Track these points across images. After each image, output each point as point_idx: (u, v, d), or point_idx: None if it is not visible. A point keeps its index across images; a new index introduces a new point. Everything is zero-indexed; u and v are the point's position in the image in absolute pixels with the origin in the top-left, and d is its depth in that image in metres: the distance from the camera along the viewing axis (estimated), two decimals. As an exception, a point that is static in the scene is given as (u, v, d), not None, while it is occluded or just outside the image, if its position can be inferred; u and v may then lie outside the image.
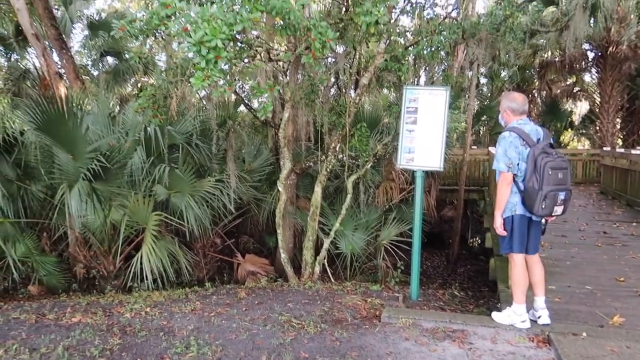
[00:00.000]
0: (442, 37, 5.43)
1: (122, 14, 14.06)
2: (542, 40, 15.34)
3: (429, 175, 10.74)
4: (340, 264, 8.21)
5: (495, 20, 5.57)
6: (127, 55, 13.65)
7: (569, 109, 19.52)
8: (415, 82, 7.78)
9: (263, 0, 3.15)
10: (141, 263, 6.39)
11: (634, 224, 7.91)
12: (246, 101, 10.69)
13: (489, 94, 19.97)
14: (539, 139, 3.70)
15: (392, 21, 6.04)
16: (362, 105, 9.25)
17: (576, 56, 15.46)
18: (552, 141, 3.76)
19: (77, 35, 14.87)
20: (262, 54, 4.98)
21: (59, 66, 10.44)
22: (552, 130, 19.11)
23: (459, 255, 12.83)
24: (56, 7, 13.55)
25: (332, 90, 8.94)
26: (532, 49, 16.06)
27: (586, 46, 15.82)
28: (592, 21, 13.26)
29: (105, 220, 7.04)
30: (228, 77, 4.01)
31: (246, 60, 4.86)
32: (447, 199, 14.32)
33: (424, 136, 4.90)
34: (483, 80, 20.41)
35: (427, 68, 8.11)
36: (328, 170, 6.42)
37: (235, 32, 3.04)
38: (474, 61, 7.31)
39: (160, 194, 7.16)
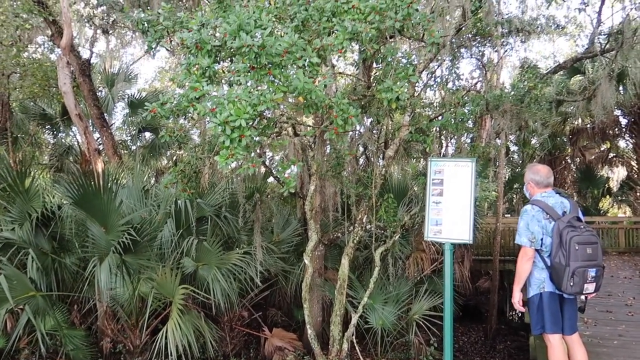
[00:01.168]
0: (465, 110, 5.49)
1: (161, 92, 14.91)
2: (571, 108, 15.32)
3: (461, 245, 10.46)
4: (371, 339, 7.88)
5: (518, 92, 5.63)
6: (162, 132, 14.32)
7: (605, 175, 19.02)
8: (442, 153, 7.79)
9: (285, 81, 3.29)
10: (166, 338, 6.30)
11: (686, 298, 7.38)
12: (275, 173, 10.89)
13: (520, 162, 19.77)
14: (565, 212, 3.57)
15: (416, 94, 6.16)
16: (390, 175, 9.29)
17: (608, 123, 15.29)
18: (580, 214, 3.61)
19: (119, 113, 15.69)
20: (288, 130, 5.12)
21: (99, 143, 11.02)
22: (590, 197, 18.56)
23: (498, 330, 12.14)
24: (100, 87, 14.51)
25: (361, 161, 9.05)
26: (562, 117, 16.01)
27: (618, 112, 15.69)
28: (621, 88, 13.22)
29: (133, 293, 7.06)
30: (253, 154, 4.11)
31: (273, 136, 5.00)
32: (481, 269, 13.82)
33: (451, 208, 4.81)
34: (514, 148, 20.31)
35: (452, 138, 8.14)
36: (355, 242, 6.33)
37: (258, 112, 3.15)
38: (500, 131, 7.31)
39: (187, 267, 7.19)
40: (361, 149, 9.97)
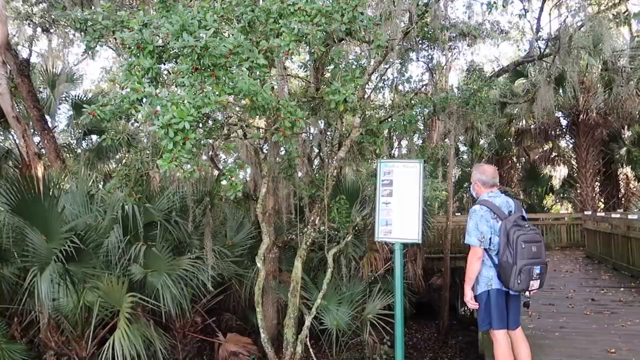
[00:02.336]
0: (413, 112, 5.60)
1: (107, 93, 14.40)
2: (516, 110, 15.96)
3: (414, 244, 10.66)
4: (326, 340, 7.89)
5: (464, 95, 5.79)
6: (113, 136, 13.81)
7: (549, 174, 19.94)
8: (394, 154, 7.91)
9: (230, 83, 3.23)
10: (113, 348, 6.06)
11: (622, 289, 7.82)
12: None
13: (469, 162, 20.41)
14: (511, 212, 3.70)
15: (367, 97, 6.22)
16: (344, 177, 9.34)
17: (549, 124, 16.04)
18: (524, 214, 3.76)
19: (63, 115, 15.01)
20: (238, 132, 5.05)
21: (40, 146, 10.51)
22: (534, 195, 19.39)
23: (450, 326, 12.46)
24: (42, 88, 13.84)
25: (317, 162, 9.06)
26: (507, 118, 16.65)
27: (559, 114, 16.48)
28: (561, 91, 13.89)
29: (78, 303, 6.75)
30: (204, 158, 4.01)
31: (222, 138, 4.91)
32: (434, 267, 14.14)
33: (400, 208, 4.88)
34: (463, 149, 20.96)
35: (403, 140, 8.27)
36: (308, 244, 6.33)
37: (202, 114, 3.08)
38: (448, 132, 7.50)
39: (136, 274, 6.95)
40: (316, 150, 9.98)
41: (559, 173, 21.18)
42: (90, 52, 3.91)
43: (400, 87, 6.56)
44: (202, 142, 3.90)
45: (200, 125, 3.42)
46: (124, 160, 16.51)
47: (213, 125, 3.98)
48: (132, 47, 3.35)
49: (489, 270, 3.64)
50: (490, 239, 3.64)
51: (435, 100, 5.78)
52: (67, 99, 13.93)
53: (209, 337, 8.50)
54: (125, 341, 6.07)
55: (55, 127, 13.91)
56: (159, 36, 3.30)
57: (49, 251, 6.53)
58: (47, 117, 10.15)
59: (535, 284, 3.53)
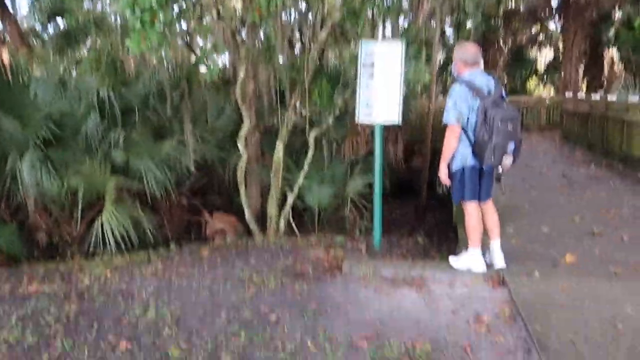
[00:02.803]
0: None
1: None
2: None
3: (395, 126, 10.74)
4: (309, 218, 8.24)
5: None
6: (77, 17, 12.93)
7: (534, 57, 19.66)
8: (381, 36, 7.58)
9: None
10: (102, 228, 6.27)
11: (592, 165, 8.13)
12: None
13: (455, 45, 19.87)
14: (490, 91, 3.67)
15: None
16: (326, 60, 9.07)
17: (540, 4, 15.42)
18: (503, 93, 3.73)
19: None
20: (212, 13, 4.76)
21: (3, 32, 9.86)
22: (518, 78, 19.28)
23: (428, 204, 13.01)
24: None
25: (299, 46, 8.72)
26: (497, -2, 15.92)
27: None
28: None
29: (62, 187, 6.83)
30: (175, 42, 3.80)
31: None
32: (415, 149, 14.40)
33: (381, 90, 4.81)
34: (449, 31, 20.25)
35: (387, 22, 7.89)
36: (289, 127, 6.32)
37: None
38: (434, 13, 7.15)
39: (118, 159, 6.97)
40: (298, 34, 9.52)
41: (544, 57, 20.88)
42: None
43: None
44: (174, 24, 3.66)
45: (174, 5, 3.15)
46: (94, 45, 15.70)
47: (183, 4, 3.70)
48: None
49: (465, 148, 3.70)
50: (468, 117, 3.65)
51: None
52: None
53: (196, 217, 8.80)
54: (113, 220, 6.26)
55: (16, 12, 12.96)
56: None
57: (25, 137, 6.44)
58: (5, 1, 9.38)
59: (508, 159, 3.63)
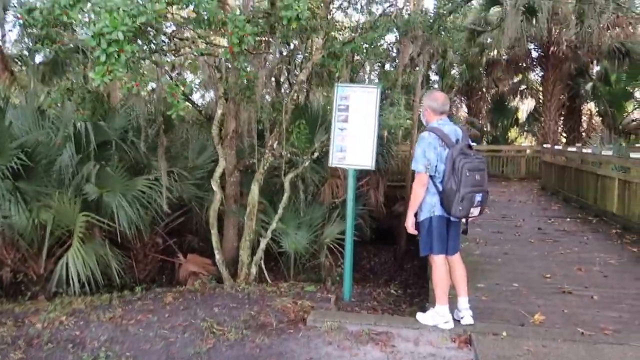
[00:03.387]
0: (376, 34, 5.38)
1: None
2: (488, 40, 15.71)
3: (376, 171, 10.78)
4: (285, 263, 8.09)
5: (426, 18, 5.55)
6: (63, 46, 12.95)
7: (516, 107, 20.12)
8: (365, 80, 7.68)
9: (169, -9, 2.96)
10: (67, 267, 6.06)
11: (568, 219, 8.18)
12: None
13: (441, 91, 20.28)
14: (458, 140, 3.69)
15: (330, 17, 5.94)
16: (308, 102, 9.14)
17: (520, 55, 15.92)
18: (470, 142, 3.76)
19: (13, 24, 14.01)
20: (190, 48, 4.77)
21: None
22: (499, 127, 19.64)
23: (407, 251, 12.93)
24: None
25: (286, 86, 8.80)
26: (479, 48, 16.41)
27: (531, 46, 16.33)
28: (534, 21, 13.65)
29: (32, 221, 6.65)
30: (163, 75, 3.77)
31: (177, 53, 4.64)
32: (396, 194, 14.45)
33: (355, 134, 4.82)
34: (435, 78, 20.74)
35: (367, 64, 8.02)
36: (265, 168, 6.28)
37: (140, 24, 2.84)
38: (413, 58, 7.33)
39: (90, 193, 6.83)
40: (285, 73, 9.63)
41: (526, 106, 21.41)
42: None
43: (372, 9, 6.24)
44: (141, 56, 3.65)
45: (139, 37, 3.15)
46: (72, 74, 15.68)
47: (154, 38, 3.69)
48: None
49: (432, 197, 3.69)
50: (436, 166, 3.66)
51: (399, 23, 5.56)
52: (16, 5, 12.86)
53: (170, 258, 8.58)
54: (79, 260, 6.06)
55: (4, 36, 12.96)
56: None
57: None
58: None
59: (475, 211, 3.62)
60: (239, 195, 9.08)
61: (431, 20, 5.77)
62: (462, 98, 21.37)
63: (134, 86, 3.21)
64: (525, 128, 20.54)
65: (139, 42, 3.29)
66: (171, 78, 9.81)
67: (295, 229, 8.05)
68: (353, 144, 4.83)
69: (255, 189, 6.29)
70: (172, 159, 8.99)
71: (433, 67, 19.17)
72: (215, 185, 6.06)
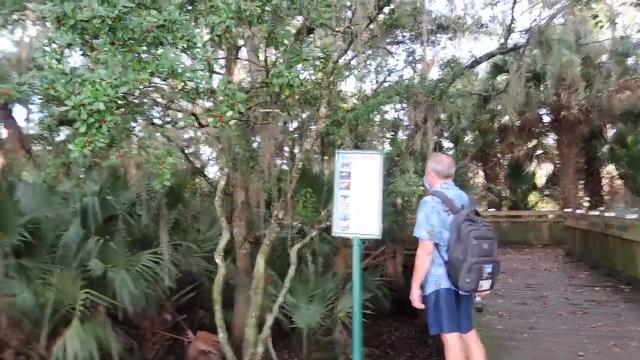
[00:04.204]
0: (376, 102, 5.33)
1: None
2: (499, 106, 15.79)
3: (392, 240, 10.45)
4: (296, 340, 7.64)
5: (429, 84, 5.50)
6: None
7: (533, 171, 19.81)
8: (375, 146, 7.60)
9: (154, 60, 2.92)
10: (65, 349, 5.77)
11: (597, 288, 7.64)
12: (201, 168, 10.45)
13: (455, 158, 20.18)
14: (463, 206, 3.46)
15: (332, 86, 5.97)
16: (319, 170, 9.08)
17: (532, 120, 15.89)
18: (477, 208, 3.52)
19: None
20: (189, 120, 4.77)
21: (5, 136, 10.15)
22: (518, 193, 19.24)
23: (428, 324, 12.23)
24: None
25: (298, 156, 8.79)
26: (490, 114, 16.48)
27: (543, 111, 16.33)
28: (542, 87, 13.73)
29: (36, 300, 6.47)
30: (152, 144, 3.73)
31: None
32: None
33: (359, 202, 4.63)
34: (448, 145, 20.74)
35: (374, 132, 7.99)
36: (271, 239, 6.07)
37: (122, 94, 2.79)
38: (419, 125, 7.27)
39: (94, 269, 6.67)
40: (290, 142, 9.69)
41: (544, 170, 21.10)
42: (7, 27, 3.60)
43: (378, 78, 6.31)
44: (127, 126, 3.61)
45: (124, 107, 3.11)
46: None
47: (141, 108, 3.66)
48: (52, 21, 3.05)
49: (438, 268, 3.40)
50: (440, 232, 3.39)
51: (399, 89, 5.52)
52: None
53: (178, 336, 8.23)
54: (77, 341, 5.79)
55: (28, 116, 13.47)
56: (80, 9, 3.00)
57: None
58: (10, 106, 9.77)
59: (485, 284, 3.28)
60: (251, 268, 8.84)
61: (433, 87, 5.73)
62: (478, 164, 21.23)
63: (117, 157, 3.13)
64: (545, 192, 20.09)
65: (123, 112, 3.25)
66: (183, 151, 9.91)
67: (307, 302, 7.68)
68: (357, 212, 4.63)
69: (260, 261, 6.05)
70: (182, 231, 8.90)
71: (446, 134, 19.32)
72: (218, 259, 5.84)
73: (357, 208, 4.64)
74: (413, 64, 11.36)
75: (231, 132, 3.57)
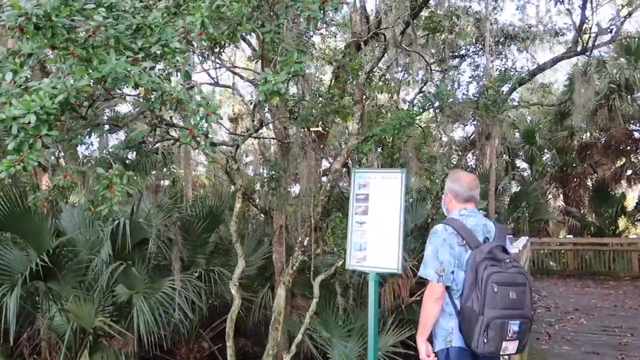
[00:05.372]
0: (405, 113, 4.64)
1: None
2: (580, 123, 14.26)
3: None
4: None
5: (490, 95, 4.65)
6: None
7: (622, 193, 17.71)
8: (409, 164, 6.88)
9: (101, 65, 2.51)
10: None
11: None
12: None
13: (530, 179, 18.51)
14: (488, 239, 2.68)
15: (367, 98, 5.38)
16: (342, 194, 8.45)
17: (619, 136, 14.19)
18: (507, 244, 2.72)
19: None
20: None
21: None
22: (605, 217, 17.21)
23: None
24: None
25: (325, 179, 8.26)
26: (568, 131, 14.96)
27: (633, 126, 14.57)
28: (629, 98, 12.20)
29: (68, 323, 6.38)
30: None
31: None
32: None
33: (377, 230, 3.95)
34: (523, 165, 19.15)
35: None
36: (294, 269, 5.51)
37: (57, 103, 2.40)
38: (475, 141, 6.41)
39: (120, 295, 6.49)
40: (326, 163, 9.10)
41: (636, 192, 18.83)
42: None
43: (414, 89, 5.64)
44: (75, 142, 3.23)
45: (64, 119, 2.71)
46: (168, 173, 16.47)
47: (89, 120, 3.27)
48: (15, 30, 2.77)
49: (448, 320, 2.61)
50: (453, 272, 2.62)
51: (432, 99, 4.78)
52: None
53: (215, 365, 7.90)
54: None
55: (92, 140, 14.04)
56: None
57: (24, 268, 6.20)
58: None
59: (510, 346, 2.45)
60: (290, 297, 8.34)
61: (476, 95, 4.94)
62: (558, 186, 19.39)
63: (63, 177, 2.76)
64: (637, 217, 17.84)
65: (71, 125, 2.89)
66: (227, 172, 9.66)
67: (343, 338, 7.00)
68: (375, 241, 3.95)
69: (281, 292, 5.51)
70: (221, 255, 8.62)
71: (520, 153, 17.82)
72: (234, 289, 5.37)
73: (375, 237, 3.96)
74: (478, 78, 10.50)
75: (206, 148, 3.03)
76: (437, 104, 4.70)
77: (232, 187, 9.80)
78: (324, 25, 8.41)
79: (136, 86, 2.67)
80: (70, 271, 6.57)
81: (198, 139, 2.98)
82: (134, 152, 14.66)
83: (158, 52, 2.96)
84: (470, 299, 2.47)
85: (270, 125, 6.74)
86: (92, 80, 2.54)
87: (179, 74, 3.07)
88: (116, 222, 6.89)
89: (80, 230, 7.18)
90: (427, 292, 2.64)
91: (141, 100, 3.14)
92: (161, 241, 7.20)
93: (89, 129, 3.27)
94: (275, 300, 5.63)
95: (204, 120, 2.83)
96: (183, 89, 2.79)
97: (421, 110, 4.78)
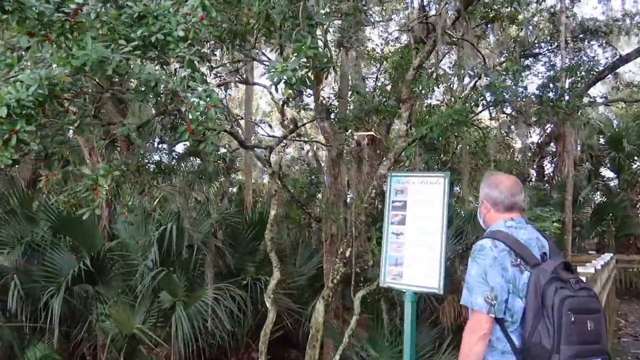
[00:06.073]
0: (454, 110, 4.06)
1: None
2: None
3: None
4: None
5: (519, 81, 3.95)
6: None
7: None
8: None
9: (80, 51, 2.26)
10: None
11: None
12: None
13: (618, 190, 16.70)
14: (545, 254, 2.09)
15: (415, 95, 4.88)
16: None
17: None
18: (565, 259, 2.11)
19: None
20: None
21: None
22: None
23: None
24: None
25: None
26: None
27: None
28: None
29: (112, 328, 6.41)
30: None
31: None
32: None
33: (415, 242, 3.45)
34: (609, 174, 17.34)
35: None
36: (335, 282, 5.08)
37: (33, 95, 2.17)
38: (543, 145, 5.64)
39: (164, 301, 6.41)
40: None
41: None
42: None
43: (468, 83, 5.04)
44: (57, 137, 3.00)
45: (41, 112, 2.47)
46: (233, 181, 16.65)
47: (72, 113, 3.02)
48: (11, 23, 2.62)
49: (503, 360, 2.05)
50: (506, 301, 2.06)
51: (483, 92, 4.16)
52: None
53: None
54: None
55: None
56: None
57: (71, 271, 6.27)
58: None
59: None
60: (342, 309, 7.96)
61: (540, 89, 4.25)
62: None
63: (45, 177, 2.54)
64: None
65: (54, 120, 2.67)
66: (279, 177, 9.45)
67: (394, 358, 6.46)
68: (412, 255, 3.44)
69: (320, 308, 5.09)
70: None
71: (606, 160, 16.15)
72: (268, 302, 5.02)
73: (413, 250, 3.45)
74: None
75: (208, 146, 2.69)
76: (490, 98, 4.08)
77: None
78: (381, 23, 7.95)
79: (116, 74, 2.40)
80: (117, 275, 6.60)
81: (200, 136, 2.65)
82: (197, 159, 14.92)
83: (152, 40, 2.68)
84: (537, 333, 1.89)
85: (319, 129, 6.39)
86: (70, 70, 2.30)
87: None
88: (162, 227, 6.86)
89: (132, 235, 7.23)
90: (471, 325, 2.06)
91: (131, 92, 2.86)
92: (207, 248, 7.07)
93: (77, 124, 3.02)
94: (312, 315, 5.22)
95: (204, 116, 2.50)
96: (178, 79, 2.47)
97: (474, 105, 4.19)
